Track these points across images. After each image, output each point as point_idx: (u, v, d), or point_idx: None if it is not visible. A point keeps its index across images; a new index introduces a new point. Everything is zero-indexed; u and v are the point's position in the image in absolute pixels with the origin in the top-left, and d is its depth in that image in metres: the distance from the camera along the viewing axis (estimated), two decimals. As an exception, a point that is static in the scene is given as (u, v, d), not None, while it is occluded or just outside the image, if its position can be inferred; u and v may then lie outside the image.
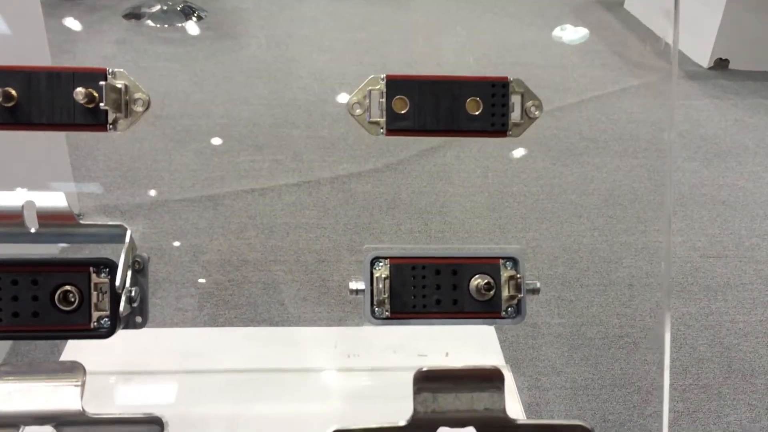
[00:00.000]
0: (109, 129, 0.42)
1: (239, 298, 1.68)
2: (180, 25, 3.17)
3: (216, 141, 2.36)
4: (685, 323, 1.69)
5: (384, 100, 0.45)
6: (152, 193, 2.07)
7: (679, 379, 1.56)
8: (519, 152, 2.37)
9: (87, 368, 0.50)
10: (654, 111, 2.62)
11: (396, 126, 0.45)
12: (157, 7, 3.18)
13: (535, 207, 2.04)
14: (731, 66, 2.96)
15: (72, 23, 3.01)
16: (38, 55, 1.69)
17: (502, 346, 1.60)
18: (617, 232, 1.96)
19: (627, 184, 2.17)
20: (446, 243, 1.92)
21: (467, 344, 0.82)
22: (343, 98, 2.72)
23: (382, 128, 0.45)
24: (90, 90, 0.42)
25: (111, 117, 0.42)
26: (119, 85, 0.42)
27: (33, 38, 1.65)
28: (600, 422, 1.47)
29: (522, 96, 0.47)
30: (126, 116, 0.43)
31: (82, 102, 0.41)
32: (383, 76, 0.45)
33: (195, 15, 3.23)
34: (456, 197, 2.11)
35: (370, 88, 0.46)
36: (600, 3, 3.77)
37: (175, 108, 2.50)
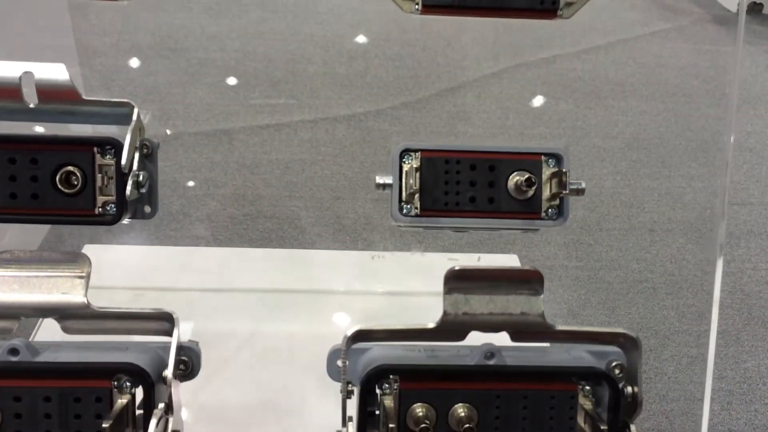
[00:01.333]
0: None
1: (253, 233, 1.66)
2: (194, -45, 3.07)
3: (231, 75, 2.31)
4: (704, 269, 1.66)
5: None
6: (166, 126, 2.04)
7: (695, 324, 1.54)
8: (545, 97, 2.31)
9: (97, 283, 0.47)
10: (684, 56, 2.53)
11: (433, 2, 0.40)
12: (171, -64, 3.08)
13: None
14: (765, 11, 2.85)
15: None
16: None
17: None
18: (640, 177, 1.91)
19: (653, 128, 2.11)
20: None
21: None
22: (361, 38, 2.65)
23: (417, 4, 0.41)
24: None
25: None
26: None
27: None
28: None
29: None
30: None
31: None
32: None
33: (210, -55, 3.13)
34: (475, 138, 2.06)
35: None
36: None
37: (190, 41, 2.44)
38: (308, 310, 0.79)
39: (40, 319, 0.63)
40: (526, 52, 2.50)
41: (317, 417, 0.67)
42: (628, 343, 0.43)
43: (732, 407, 1.40)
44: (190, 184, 1.85)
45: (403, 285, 0.78)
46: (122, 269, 0.84)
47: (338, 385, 0.46)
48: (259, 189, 1.81)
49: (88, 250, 0.81)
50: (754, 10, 2.83)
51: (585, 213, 1.78)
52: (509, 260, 0.83)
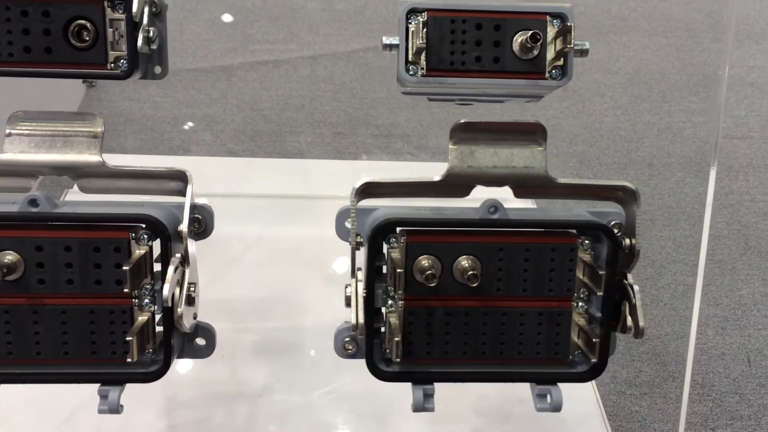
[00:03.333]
0: None
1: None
2: None
3: (228, 12, 2.27)
4: (701, 202, 1.67)
5: None
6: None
7: (692, 255, 1.56)
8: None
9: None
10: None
11: None
12: None
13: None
14: (770, -54, 2.79)
15: None
16: None
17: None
18: (640, 112, 1.91)
19: (654, 63, 2.09)
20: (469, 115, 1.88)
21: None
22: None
23: None
24: None
25: None
26: None
27: None
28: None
29: None
30: None
31: None
32: None
33: None
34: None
35: None
36: None
37: (185, -23, 2.40)
38: (311, 214, 0.80)
39: (65, 191, 0.63)
40: (528, -12, 2.47)
41: (323, 309, 0.68)
42: (627, 196, 0.44)
43: (726, 332, 1.43)
44: (190, 124, 1.84)
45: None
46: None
47: (343, 283, 0.47)
48: (259, 125, 1.81)
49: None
50: (760, -54, 2.78)
51: (584, 148, 1.78)
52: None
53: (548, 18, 0.44)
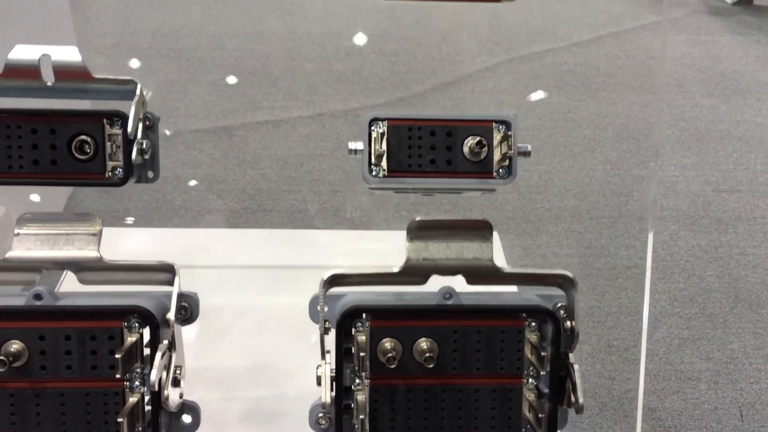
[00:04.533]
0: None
1: (253, 224, 1.71)
2: (194, -43, 3.13)
3: (230, 74, 2.36)
4: (695, 255, 1.70)
5: None
6: (167, 124, 2.09)
7: (685, 308, 1.58)
8: (537, 90, 2.35)
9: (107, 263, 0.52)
10: (678, 47, 2.57)
11: None
12: (171, -61, 3.14)
13: (549, 141, 2.04)
14: (756, 2, 2.88)
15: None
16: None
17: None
18: (630, 166, 1.95)
19: (643, 119, 2.15)
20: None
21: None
22: (358, 34, 2.70)
23: None
24: None
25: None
26: None
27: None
28: (605, 347, 1.50)
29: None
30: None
31: None
32: None
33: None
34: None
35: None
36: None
37: (190, 41, 2.49)
38: (301, 283, 0.84)
39: (64, 273, 0.68)
40: (520, 46, 2.55)
41: (308, 377, 0.71)
42: (566, 283, 0.47)
43: (719, 387, 1.44)
44: (192, 183, 1.90)
45: (386, 260, 0.83)
46: (129, 250, 0.89)
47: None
48: (259, 183, 1.86)
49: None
50: (745, 0, 2.87)
51: (576, 202, 1.82)
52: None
53: (494, 124, 0.48)
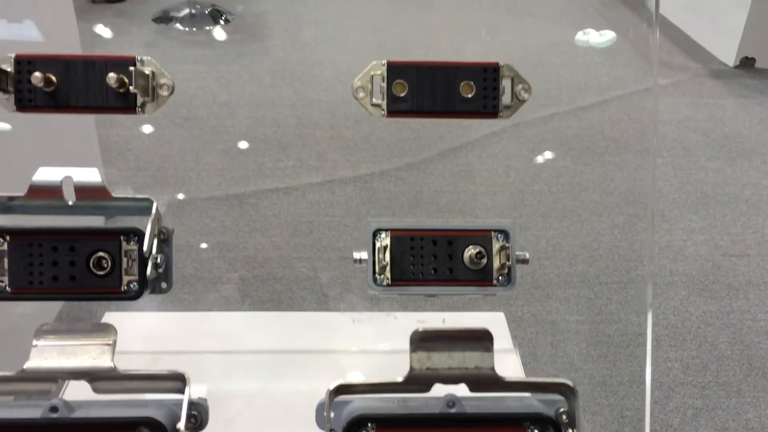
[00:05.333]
0: (138, 112, 0.47)
1: (263, 293, 1.72)
2: (207, 28, 3.24)
3: (242, 141, 2.41)
4: (706, 321, 1.69)
5: (385, 84, 0.49)
6: (180, 192, 2.13)
7: (698, 376, 1.56)
8: (543, 155, 2.38)
9: (119, 348, 0.54)
10: (682, 110, 2.61)
11: (396, 108, 0.49)
12: (186, 11, 3.25)
13: (556, 206, 2.05)
14: (757, 65, 2.93)
15: (102, 29, 3.09)
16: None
17: (521, 343, 1.62)
18: (638, 231, 1.96)
19: (650, 182, 2.17)
20: (468, 219, 1.94)
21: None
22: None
23: (383, 110, 0.49)
24: (121, 76, 0.46)
25: (140, 101, 0.46)
26: (147, 71, 0.46)
27: (66, 42, 1.71)
28: (617, 418, 1.48)
29: (512, 80, 0.50)
30: (153, 100, 0.48)
31: (114, 86, 0.45)
32: (384, 61, 0.49)
33: (222, 18, 3.30)
34: (478, 196, 2.13)
35: (372, 73, 0.49)
36: (623, 2, 3.75)
37: (202, 110, 2.56)
38: (307, 368, 0.85)
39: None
40: (525, 111, 2.59)
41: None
42: (567, 391, 0.48)
43: (735, 459, 1.42)
44: (203, 246, 1.92)
45: (386, 344, 0.84)
46: (140, 335, 0.90)
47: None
48: (269, 251, 1.88)
49: (109, 317, 0.88)
50: (747, 63, 2.92)
51: (584, 267, 1.82)
52: (495, 318, 0.88)
53: (493, 233, 0.50)
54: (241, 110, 2.58)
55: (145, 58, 0.46)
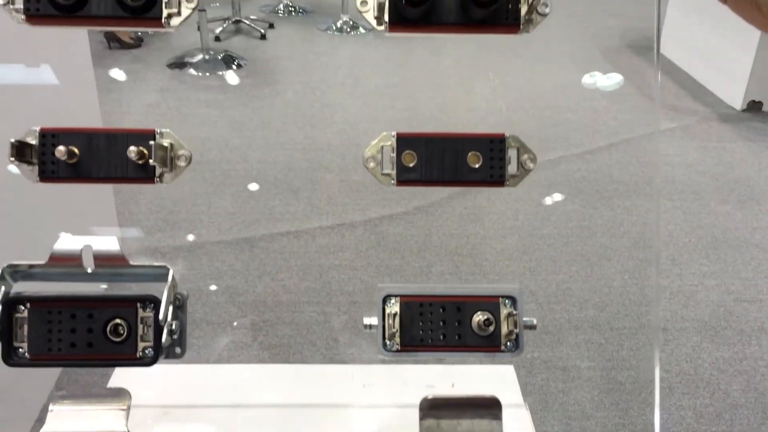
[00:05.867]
0: (156, 182, 0.48)
1: (273, 338, 1.72)
2: (220, 73, 3.30)
3: (253, 185, 2.44)
4: (719, 368, 1.67)
5: (394, 154, 0.50)
6: (191, 235, 2.15)
7: (712, 425, 1.54)
8: (552, 198, 2.39)
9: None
10: (690, 153, 2.62)
11: (405, 177, 0.50)
12: (199, 57, 3.32)
13: (566, 249, 2.05)
14: (765, 108, 2.95)
15: (118, 74, 3.16)
16: (87, 104, 1.79)
17: (531, 390, 1.61)
18: (649, 275, 1.95)
19: (661, 226, 2.17)
20: (476, 284, 1.94)
21: (487, 383, 0.85)
22: (380, 133, 2.79)
23: (393, 179, 0.50)
24: (141, 148, 0.47)
25: (158, 171, 0.48)
26: (166, 144, 0.48)
27: (83, 87, 1.75)
28: (631, 468, 1.46)
29: (518, 150, 0.51)
30: (171, 170, 0.49)
31: (135, 159, 0.47)
32: (394, 133, 0.51)
33: (235, 63, 3.37)
34: (487, 239, 2.13)
35: (382, 144, 0.51)
36: (630, 47, 3.80)
37: (215, 153, 2.60)
38: (317, 424, 0.85)
39: None
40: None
41: None
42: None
43: None
44: (213, 289, 1.93)
45: (396, 398, 0.84)
46: (150, 387, 0.91)
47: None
48: (279, 295, 1.88)
49: (120, 371, 0.89)
50: (754, 107, 2.94)
51: (595, 313, 1.81)
52: (504, 371, 0.88)
53: (501, 299, 0.51)
54: (253, 154, 2.61)
55: (164, 130, 0.48)
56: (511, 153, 0.50)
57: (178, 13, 0.46)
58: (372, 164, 0.50)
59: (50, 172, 0.45)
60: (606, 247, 2.06)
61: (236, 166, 2.52)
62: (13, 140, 0.44)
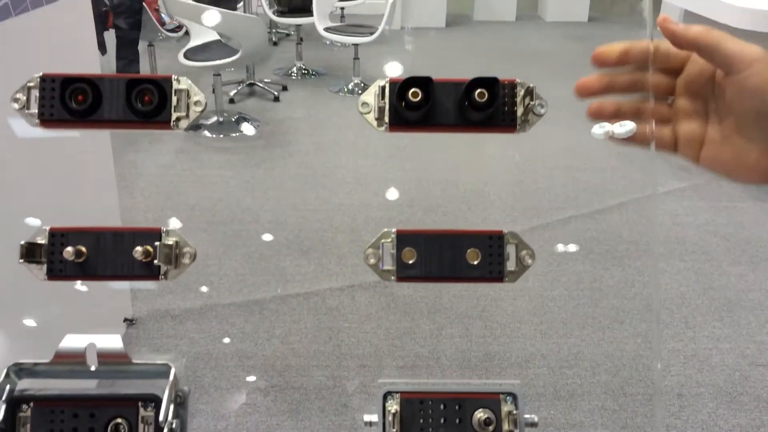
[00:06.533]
0: (161, 279, 0.49)
1: (281, 404, 1.71)
2: (234, 135, 3.37)
3: (264, 246, 2.45)
4: (737, 436, 1.63)
5: (394, 251, 0.51)
6: (202, 297, 2.15)
7: (733, 496, 1.50)
8: (562, 258, 2.39)
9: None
10: (701, 213, 2.62)
11: (405, 274, 0.51)
12: (214, 119, 3.40)
13: (577, 312, 2.04)
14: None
15: (133, 135, 3.23)
16: (103, 165, 1.82)
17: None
18: (663, 339, 1.93)
19: (673, 287, 2.15)
20: (487, 347, 1.93)
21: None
22: (386, 205, 2.81)
23: (393, 276, 0.51)
24: (147, 247, 0.49)
25: (163, 270, 0.49)
26: (171, 242, 0.49)
27: (98, 148, 1.79)
28: None
29: (516, 246, 0.52)
30: (175, 267, 0.50)
31: (140, 259, 0.48)
32: (394, 230, 0.51)
33: (248, 125, 3.44)
34: (497, 301, 2.12)
35: (383, 240, 0.52)
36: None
37: (227, 214, 2.63)
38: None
39: None
40: (543, 213, 2.62)
41: None
42: None
43: None
44: (222, 353, 1.93)
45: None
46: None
47: None
48: (288, 359, 1.88)
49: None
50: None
51: (608, 378, 1.79)
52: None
53: (501, 396, 0.51)
54: (265, 214, 2.64)
55: (170, 228, 0.50)
56: (510, 249, 0.50)
57: (186, 116, 0.48)
58: (372, 260, 0.51)
59: (58, 270, 0.47)
60: (618, 309, 2.04)
61: (248, 227, 2.55)
62: (22, 242, 0.45)
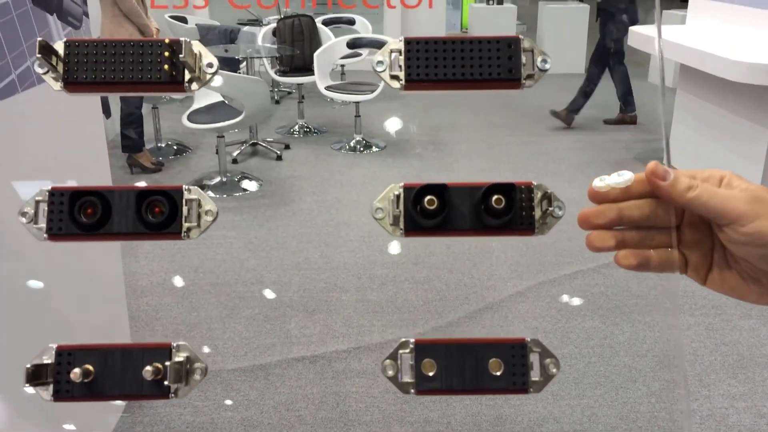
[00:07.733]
0: (171, 397, 0.47)
1: (288, 477, 1.66)
2: (238, 194, 3.38)
3: (268, 308, 2.43)
4: (760, 502, 1.58)
5: (413, 362, 0.48)
6: (206, 363, 2.11)
7: None
8: (571, 315, 2.36)
9: None
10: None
11: (426, 387, 0.48)
12: (217, 179, 3.41)
13: (588, 371, 2.00)
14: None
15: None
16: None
17: None
18: (676, 398, 1.89)
19: (685, 343, 2.11)
20: (498, 410, 1.88)
21: None
22: (391, 263, 2.79)
23: (413, 389, 0.48)
24: (157, 366, 0.47)
25: (173, 387, 0.47)
26: (181, 358, 0.47)
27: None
28: None
29: (539, 354, 0.49)
30: (186, 384, 0.47)
31: (150, 378, 0.46)
32: (413, 339, 0.49)
33: (252, 184, 3.45)
34: None
35: (401, 351, 0.49)
36: (638, 159, 3.87)
37: (230, 275, 2.61)
38: None
39: None
40: (549, 269, 2.60)
41: None
42: None
43: None
44: (227, 422, 1.88)
45: None
46: None
47: None
48: (294, 427, 1.83)
49: None
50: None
51: (624, 441, 1.74)
52: None
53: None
54: (269, 275, 2.62)
55: (180, 343, 0.48)
56: (533, 358, 0.49)
57: (198, 226, 0.47)
58: (391, 372, 0.48)
59: (65, 392, 0.45)
60: (630, 367, 2.00)
61: (252, 288, 2.53)
62: (28, 366, 0.44)
